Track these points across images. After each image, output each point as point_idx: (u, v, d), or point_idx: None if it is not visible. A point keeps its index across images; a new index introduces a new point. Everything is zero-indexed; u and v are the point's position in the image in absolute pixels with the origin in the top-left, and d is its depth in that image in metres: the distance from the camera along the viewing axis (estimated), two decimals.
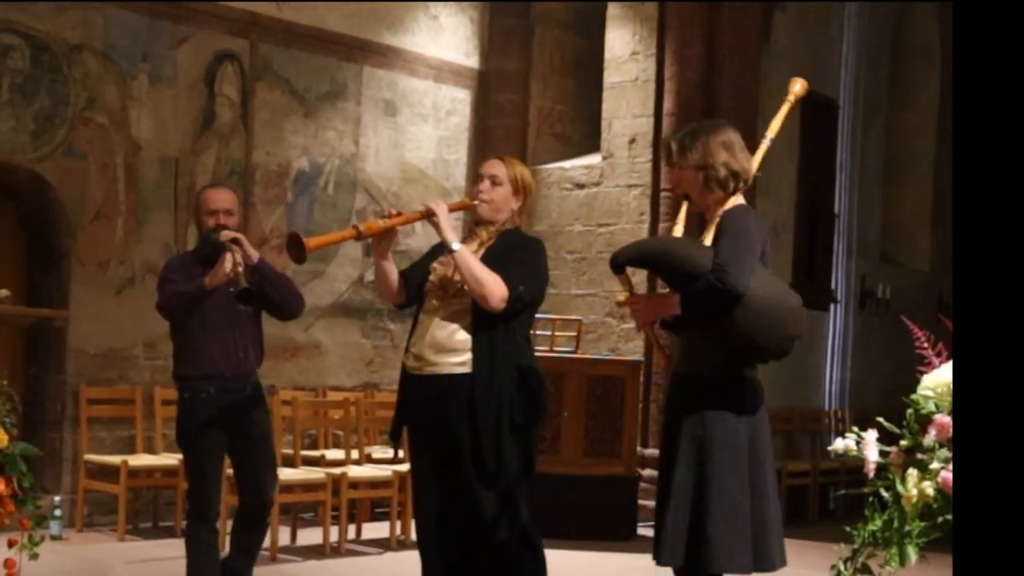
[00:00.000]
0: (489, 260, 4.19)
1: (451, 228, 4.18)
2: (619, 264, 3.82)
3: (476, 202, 4.31)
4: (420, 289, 4.30)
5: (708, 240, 3.77)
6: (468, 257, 4.13)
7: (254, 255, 4.98)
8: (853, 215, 11.62)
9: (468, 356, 4.13)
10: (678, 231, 3.92)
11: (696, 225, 4.04)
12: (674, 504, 3.67)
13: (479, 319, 4.13)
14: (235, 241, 4.89)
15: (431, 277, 4.27)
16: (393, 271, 4.33)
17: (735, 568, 3.67)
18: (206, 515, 5.16)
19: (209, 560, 5.19)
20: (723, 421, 3.70)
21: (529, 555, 4.19)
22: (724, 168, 3.75)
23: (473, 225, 4.40)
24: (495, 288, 4.08)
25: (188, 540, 5.21)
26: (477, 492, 4.10)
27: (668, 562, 3.70)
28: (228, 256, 4.79)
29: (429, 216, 4.19)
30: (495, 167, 4.34)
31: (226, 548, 5.55)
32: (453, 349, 4.15)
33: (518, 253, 4.22)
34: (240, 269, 4.76)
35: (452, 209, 4.34)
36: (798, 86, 4.23)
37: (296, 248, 4.02)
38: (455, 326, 4.17)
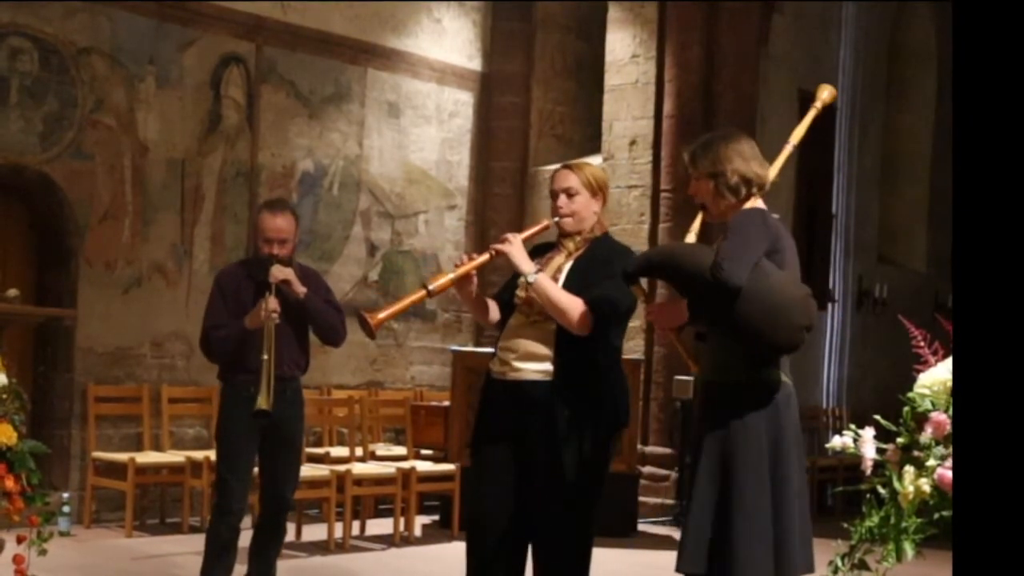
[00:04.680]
0: (576, 272, 4.17)
1: (525, 259, 4.12)
2: (630, 275, 3.79)
3: (556, 219, 4.23)
4: (511, 303, 4.28)
5: None
6: (546, 286, 4.08)
7: (300, 291, 5.20)
8: (851, 216, 11.70)
9: (550, 366, 4.11)
10: (691, 239, 3.88)
11: (708, 235, 4.05)
12: (695, 516, 3.63)
13: (564, 330, 4.11)
14: (284, 282, 5.13)
15: (518, 292, 4.23)
16: (485, 305, 4.32)
17: None
18: (229, 508, 5.25)
19: (225, 559, 5.27)
20: (744, 432, 3.61)
21: (576, 566, 4.16)
22: (735, 175, 3.70)
23: (561, 237, 4.30)
24: (576, 314, 4.04)
25: (208, 535, 5.32)
26: (543, 498, 4.08)
27: (686, 569, 3.67)
28: (265, 303, 5.05)
29: (500, 256, 4.13)
30: (566, 179, 4.22)
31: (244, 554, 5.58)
32: (538, 357, 4.13)
33: (606, 267, 4.13)
34: (275, 315, 5.03)
35: (530, 237, 4.29)
36: (826, 93, 4.18)
37: (364, 327, 4.03)
38: (541, 335, 4.15)
